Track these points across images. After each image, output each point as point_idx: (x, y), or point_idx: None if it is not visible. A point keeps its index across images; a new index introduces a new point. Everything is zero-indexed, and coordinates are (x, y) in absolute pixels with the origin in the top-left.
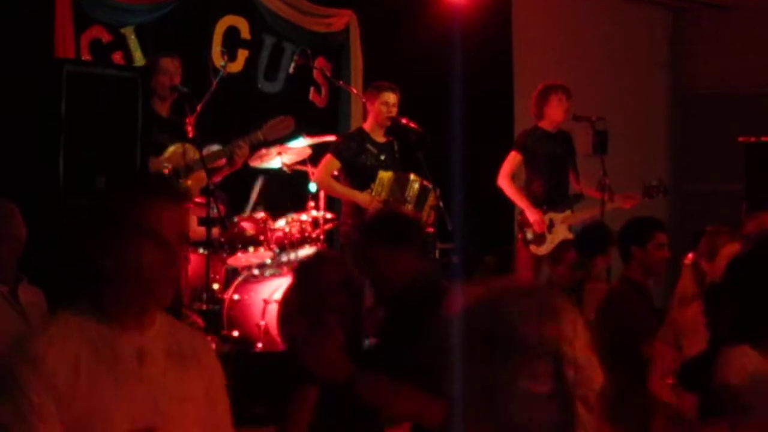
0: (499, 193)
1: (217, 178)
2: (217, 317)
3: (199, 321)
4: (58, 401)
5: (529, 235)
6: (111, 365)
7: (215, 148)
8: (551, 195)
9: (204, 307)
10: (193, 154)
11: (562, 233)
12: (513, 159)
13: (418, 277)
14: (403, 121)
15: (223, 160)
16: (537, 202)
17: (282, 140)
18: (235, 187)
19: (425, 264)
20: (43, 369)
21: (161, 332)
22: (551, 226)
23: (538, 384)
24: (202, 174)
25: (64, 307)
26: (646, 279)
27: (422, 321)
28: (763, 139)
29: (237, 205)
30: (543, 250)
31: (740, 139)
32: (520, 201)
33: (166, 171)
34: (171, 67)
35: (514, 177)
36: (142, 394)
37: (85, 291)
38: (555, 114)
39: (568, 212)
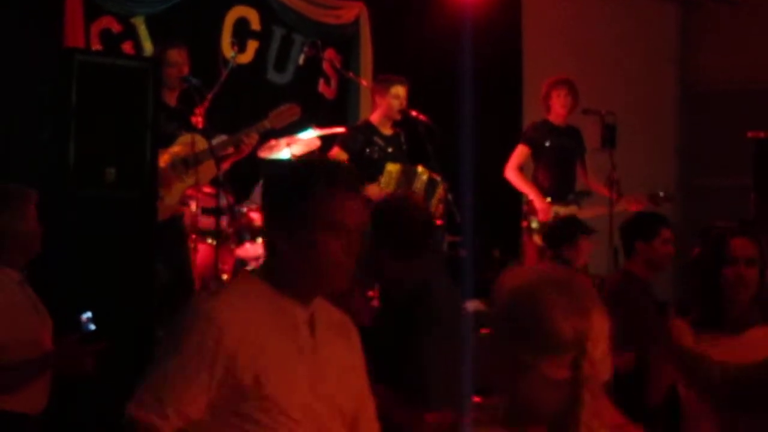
0: (507, 186)
1: (225, 166)
2: None
3: None
4: (227, 366)
5: (534, 224)
6: (287, 332)
7: (221, 138)
8: (558, 188)
9: None
10: (201, 144)
11: None
12: (520, 151)
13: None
14: (413, 113)
15: (231, 149)
16: (543, 195)
17: (289, 127)
18: (243, 178)
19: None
20: (210, 333)
21: (319, 307)
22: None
23: (557, 371)
24: (211, 164)
25: (239, 279)
26: (648, 274)
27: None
28: None
29: (245, 195)
30: None
31: (749, 134)
32: (528, 190)
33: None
34: (179, 58)
35: (521, 169)
36: (318, 360)
37: (265, 263)
38: (557, 108)
39: (574, 207)
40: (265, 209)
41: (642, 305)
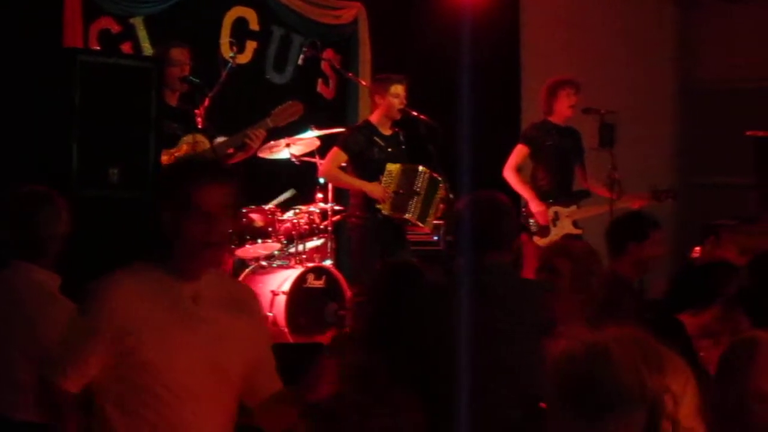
0: (506, 186)
1: (229, 163)
2: None
3: None
4: (117, 333)
5: (534, 227)
6: (173, 306)
7: (221, 139)
8: (556, 188)
9: None
10: (204, 144)
11: (566, 227)
12: (519, 152)
13: None
14: (414, 113)
15: (231, 150)
16: (542, 195)
17: (288, 128)
18: (243, 179)
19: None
20: (104, 304)
21: (211, 283)
22: (556, 219)
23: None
24: None
25: (133, 261)
26: (635, 275)
27: None
28: None
29: (245, 196)
30: (547, 242)
31: (748, 133)
32: (524, 192)
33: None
34: (181, 57)
35: (520, 170)
36: (198, 327)
37: (155, 250)
38: (563, 109)
39: (573, 207)
40: (154, 200)
41: (627, 307)
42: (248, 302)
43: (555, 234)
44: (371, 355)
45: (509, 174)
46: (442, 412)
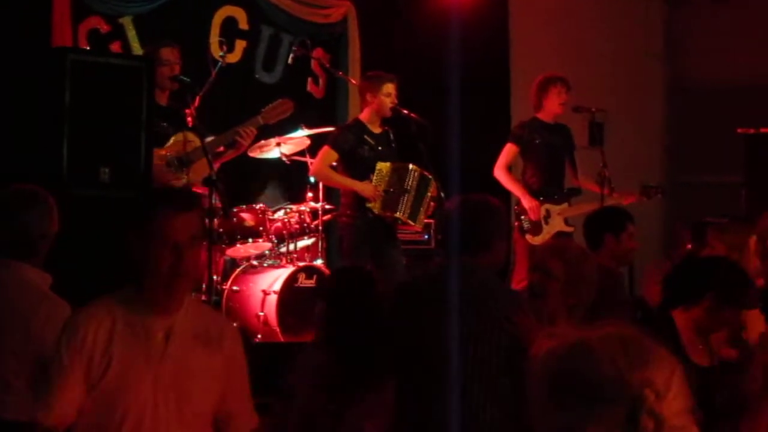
0: (496, 185)
1: (218, 164)
2: (216, 308)
3: None
4: (88, 365)
5: (526, 224)
6: (142, 341)
7: (211, 138)
8: (547, 186)
9: (203, 297)
10: (194, 143)
11: (558, 225)
12: (509, 150)
13: None
14: (405, 111)
15: (221, 148)
16: (532, 194)
17: (279, 127)
18: (234, 179)
19: None
20: (77, 337)
21: (189, 316)
22: (548, 216)
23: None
24: (204, 163)
25: (110, 293)
26: (616, 266)
27: None
28: (763, 130)
29: (236, 196)
30: (539, 240)
31: (739, 130)
32: (516, 189)
33: (163, 161)
34: (171, 57)
35: (510, 168)
36: (165, 366)
37: (129, 282)
38: (553, 106)
39: (565, 205)
40: (123, 231)
41: (620, 299)
42: (225, 339)
43: (547, 232)
44: (328, 356)
45: (500, 173)
46: (421, 407)
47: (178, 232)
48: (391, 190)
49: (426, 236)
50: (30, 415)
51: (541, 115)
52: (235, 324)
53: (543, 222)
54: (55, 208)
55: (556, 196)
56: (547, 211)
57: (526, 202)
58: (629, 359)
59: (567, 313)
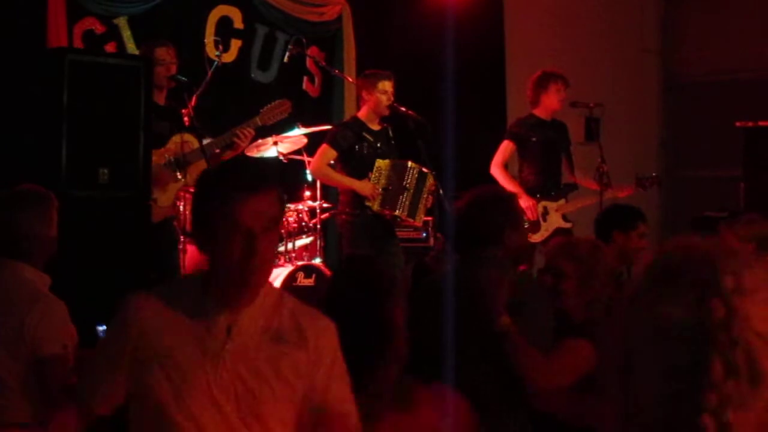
0: (493, 182)
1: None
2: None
3: None
4: (135, 355)
5: (524, 223)
6: (201, 335)
7: (208, 140)
8: (544, 183)
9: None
10: (193, 143)
11: (556, 221)
12: (506, 148)
13: None
14: (402, 108)
15: (218, 149)
16: (530, 191)
17: (275, 126)
18: None
19: None
20: (126, 324)
21: (263, 312)
22: (545, 214)
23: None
24: (203, 164)
25: (173, 279)
26: (620, 264)
27: None
28: (761, 123)
29: None
30: (538, 237)
31: (737, 124)
32: (512, 188)
33: (163, 161)
34: (167, 56)
35: (507, 166)
36: (225, 364)
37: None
38: (552, 103)
39: (562, 201)
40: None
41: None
42: (310, 334)
43: (545, 229)
44: None
45: (496, 170)
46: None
47: (247, 218)
48: (390, 187)
49: (424, 234)
50: (77, 400)
51: (537, 112)
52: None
53: (541, 219)
54: (55, 208)
55: (553, 193)
56: (545, 208)
57: (524, 201)
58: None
59: (586, 309)
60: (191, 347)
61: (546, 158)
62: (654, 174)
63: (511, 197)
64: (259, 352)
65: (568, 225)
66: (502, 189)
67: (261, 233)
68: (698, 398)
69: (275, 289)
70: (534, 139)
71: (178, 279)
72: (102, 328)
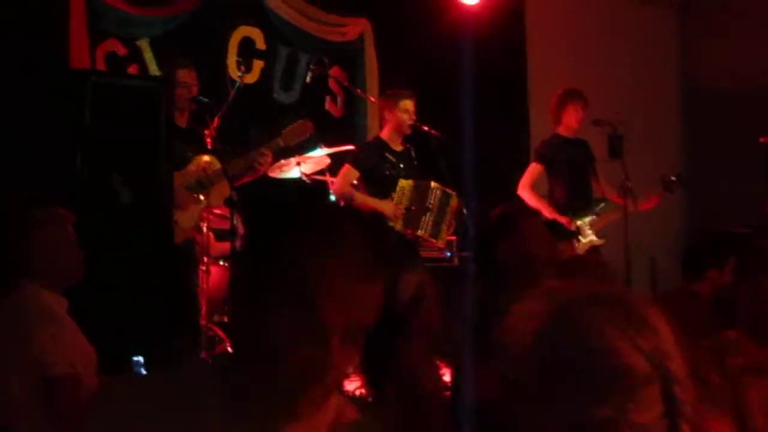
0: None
1: (237, 184)
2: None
3: (220, 333)
4: None
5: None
6: None
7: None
8: (575, 202)
9: (225, 319)
10: (215, 165)
11: (590, 238)
12: (533, 170)
13: None
14: (424, 128)
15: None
16: (561, 210)
17: (302, 145)
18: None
19: None
20: None
21: None
22: (579, 232)
23: (643, 414)
24: (225, 185)
25: None
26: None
27: None
28: None
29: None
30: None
31: (762, 139)
32: (543, 208)
33: (185, 183)
34: (188, 78)
35: (534, 187)
36: None
37: None
38: (570, 122)
39: (593, 217)
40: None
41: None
42: None
43: (581, 247)
44: None
45: (524, 192)
46: None
47: None
48: (413, 207)
49: (448, 253)
50: None
51: (561, 131)
52: None
53: (576, 238)
54: (70, 228)
55: (584, 210)
56: (578, 227)
57: (559, 220)
58: (636, 328)
59: None
60: None
61: (574, 177)
62: (678, 174)
63: (518, 209)
64: None
65: (601, 242)
66: (514, 204)
67: None
68: None
69: None
70: (561, 158)
71: None
72: (137, 359)
